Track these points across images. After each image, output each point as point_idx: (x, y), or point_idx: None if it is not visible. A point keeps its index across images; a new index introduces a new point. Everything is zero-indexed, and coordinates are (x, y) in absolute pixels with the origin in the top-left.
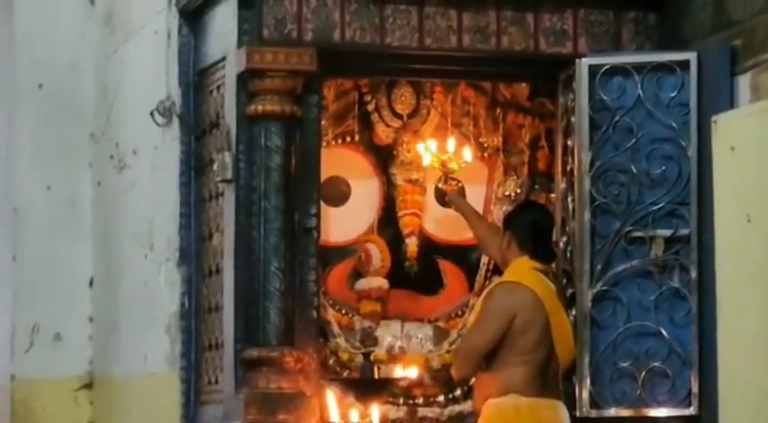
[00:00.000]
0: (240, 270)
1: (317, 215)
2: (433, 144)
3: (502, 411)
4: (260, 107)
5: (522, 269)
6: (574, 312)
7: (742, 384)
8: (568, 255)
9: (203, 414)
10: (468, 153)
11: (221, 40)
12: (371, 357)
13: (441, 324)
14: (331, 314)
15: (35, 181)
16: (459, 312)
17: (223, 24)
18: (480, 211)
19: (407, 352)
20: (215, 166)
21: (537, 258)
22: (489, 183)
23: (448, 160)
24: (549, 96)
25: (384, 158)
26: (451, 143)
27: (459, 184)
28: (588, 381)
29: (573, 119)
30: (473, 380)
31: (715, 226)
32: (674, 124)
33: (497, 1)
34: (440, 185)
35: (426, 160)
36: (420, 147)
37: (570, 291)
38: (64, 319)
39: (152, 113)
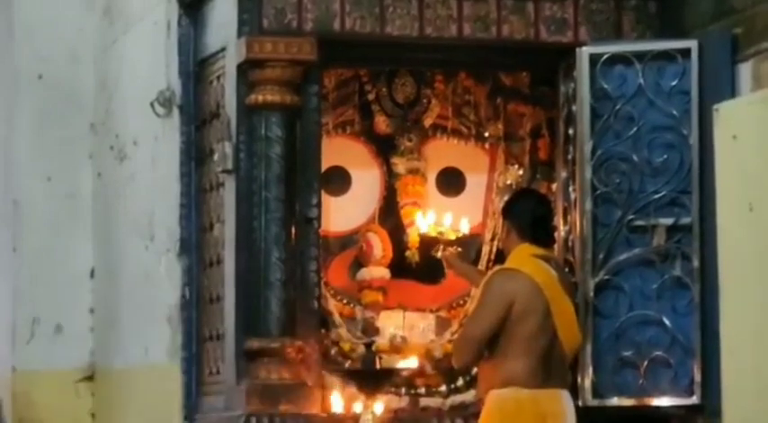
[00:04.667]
0: (241, 261)
1: (318, 205)
2: (431, 216)
3: (503, 404)
4: (260, 97)
5: (522, 256)
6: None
7: (745, 373)
8: (570, 244)
9: (204, 405)
10: (465, 224)
11: (221, 31)
12: (373, 347)
13: (442, 314)
14: (332, 304)
15: (35, 172)
16: (461, 302)
17: (223, 14)
18: (482, 200)
19: (409, 342)
20: (215, 157)
21: (537, 243)
22: (490, 172)
23: (446, 232)
24: (550, 85)
25: (385, 148)
26: (448, 218)
27: (458, 249)
28: (590, 370)
29: (574, 108)
30: (475, 369)
31: (717, 214)
32: (675, 113)
33: None
34: (437, 255)
35: (424, 228)
36: (419, 217)
37: (572, 280)
38: (65, 311)
39: (152, 104)
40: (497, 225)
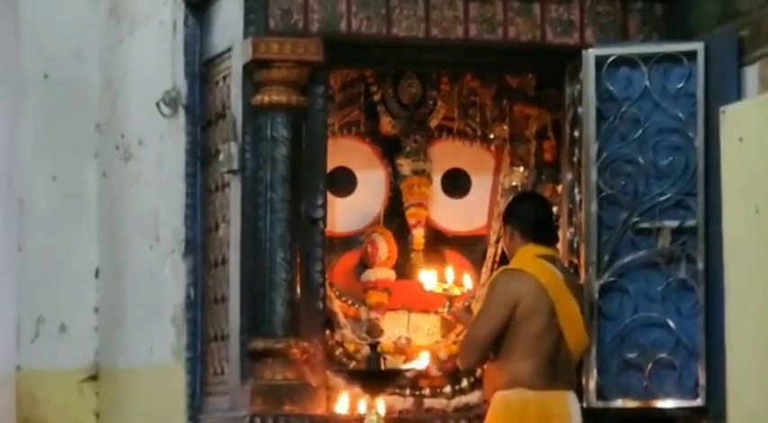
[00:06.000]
0: (246, 261)
1: (324, 206)
2: (432, 274)
3: (508, 405)
4: (266, 98)
5: (526, 257)
6: None
7: (749, 375)
8: (575, 246)
9: (209, 405)
10: (468, 280)
11: (227, 31)
12: (378, 348)
13: (447, 315)
14: (337, 305)
15: (40, 172)
16: (466, 303)
17: (229, 15)
18: (487, 202)
19: (414, 343)
20: (221, 157)
21: (540, 242)
22: (496, 174)
23: (450, 288)
24: (556, 87)
25: (390, 149)
26: (450, 273)
27: (465, 305)
28: (595, 372)
29: (580, 110)
30: (479, 371)
31: (722, 217)
32: (681, 115)
33: None
34: (445, 313)
35: (429, 286)
36: (422, 275)
37: (578, 281)
38: (69, 311)
39: (158, 104)
40: (502, 227)
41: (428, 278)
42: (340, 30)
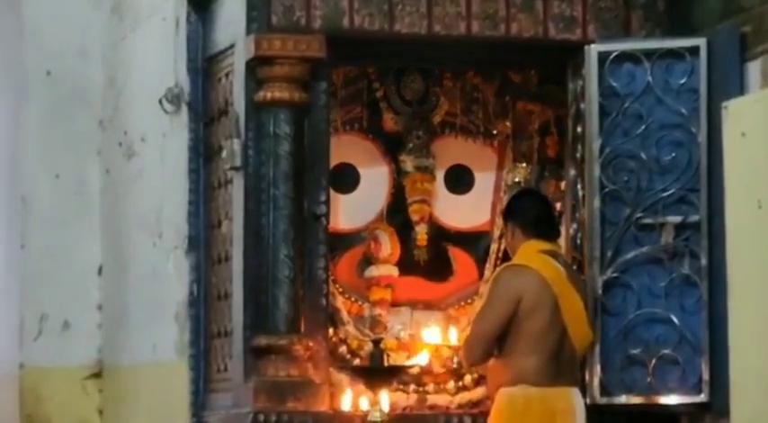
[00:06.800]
0: (249, 257)
1: (327, 202)
2: (436, 331)
3: (512, 402)
4: (269, 94)
5: (529, 253)
6: None
7: (753, 371)
8: (578, 242)
9: (212, 402)
10: None
11: (230, 28)
12: (381, 345)
13: (451, 312)
14: (340, 301)
15: (43, 169)
16: (469, 300)
17: (231, 11)
18: (490, 198)
19: (417, 339)
20: (224, 154)
21: (542, 237)
22: (499, 169)
23: (454, 345)
24: (559, 83)
25: (393, 145)
26: (453, 333)
27: None
28: (598, 368)
29: (582, 105)
30: (482, 368)
31: (725, 212)
32: (683, 110)
33: None
34: (454, 363)
35: (431, 340)
36: (425, 334)
37: (581, 277)
38: (72, 308)
39: (160, 101)
40: (503, 224)
41: (432, 335)
42: (342, 26)
